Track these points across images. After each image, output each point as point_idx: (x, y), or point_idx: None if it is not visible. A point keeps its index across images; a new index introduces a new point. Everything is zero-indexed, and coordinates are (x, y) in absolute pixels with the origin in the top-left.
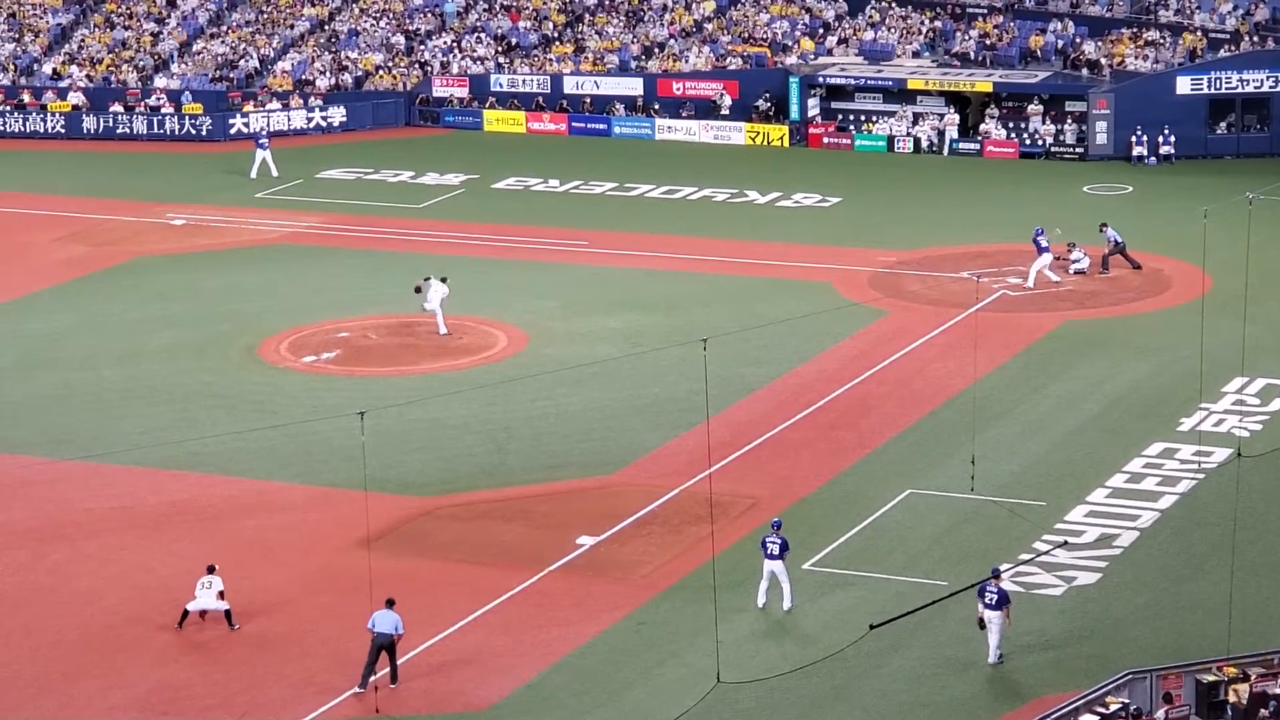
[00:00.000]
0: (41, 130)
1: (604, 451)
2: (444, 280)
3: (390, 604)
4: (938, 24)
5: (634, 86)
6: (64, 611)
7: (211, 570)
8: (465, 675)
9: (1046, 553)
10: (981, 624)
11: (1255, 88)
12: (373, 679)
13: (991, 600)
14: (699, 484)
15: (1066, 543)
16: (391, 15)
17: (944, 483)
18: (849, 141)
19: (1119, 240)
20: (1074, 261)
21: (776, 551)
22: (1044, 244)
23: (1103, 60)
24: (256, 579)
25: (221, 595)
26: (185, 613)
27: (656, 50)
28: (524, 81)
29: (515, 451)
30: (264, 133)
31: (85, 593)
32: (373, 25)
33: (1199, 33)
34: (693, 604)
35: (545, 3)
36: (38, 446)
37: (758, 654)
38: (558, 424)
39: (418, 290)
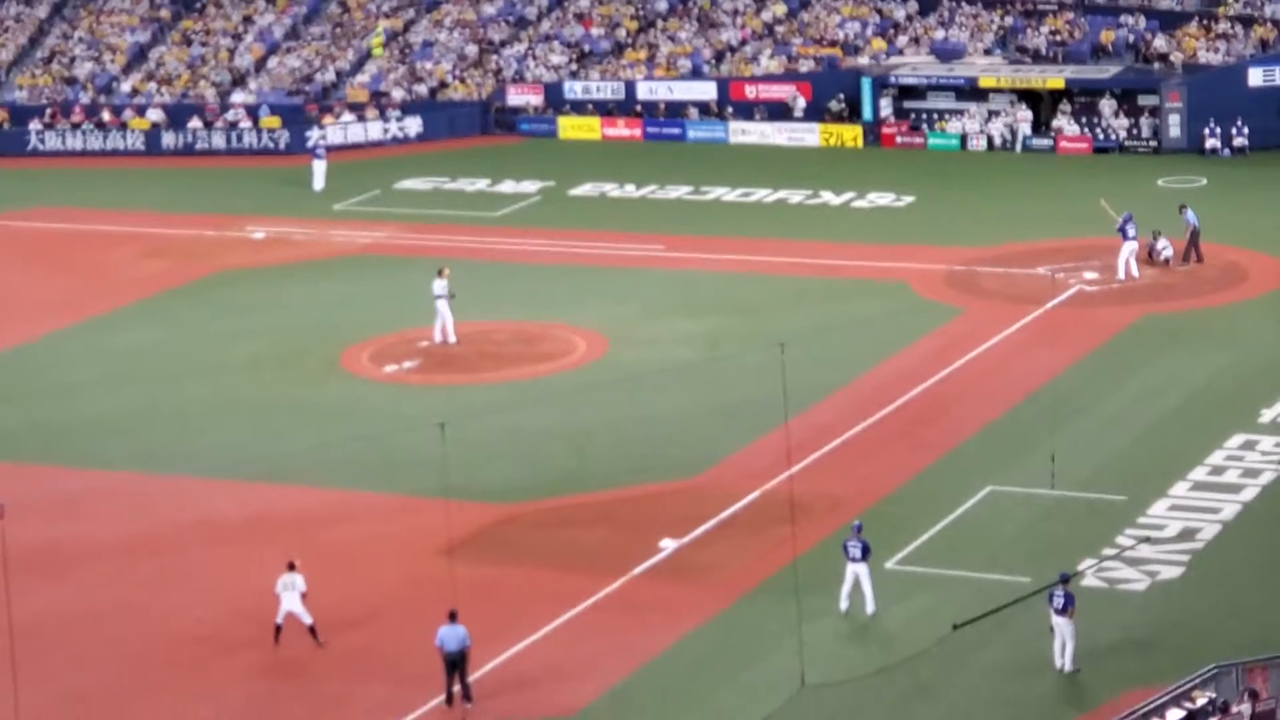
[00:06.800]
0: (122, 147)
1: (685, 455)
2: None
3: (453, 617)
4: (1008, 21)
5: (707, 90)
6: (152, 625)
7: (292, 567)
8: (550, 681)
9: (1129, 548)
10: (1052, 630)
11: None
12: (456, 691)
13: (1059, 605)
14: (780, 485)
15: (1149, 538)
16: (465, 25)
17: (1024, 479)
18: (922, 140)
19: (1196, 226)
20: (1160, 250)
21: (859, 554)
22: (1130, 232)
23: (1174, 53)
24: (340, 590)
25: (304, 597)
26: (278, 628)
27: (728, 54)
28: (598, 88)
29: (596, 457)
30: (321, 144)
31: (172, 606)
32: (447, 36)
33: (1269, 24)
34: (776, 606)
35: (617, 9)
36: (123, 461)
37: (841, 655)
38: (638, 428)
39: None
